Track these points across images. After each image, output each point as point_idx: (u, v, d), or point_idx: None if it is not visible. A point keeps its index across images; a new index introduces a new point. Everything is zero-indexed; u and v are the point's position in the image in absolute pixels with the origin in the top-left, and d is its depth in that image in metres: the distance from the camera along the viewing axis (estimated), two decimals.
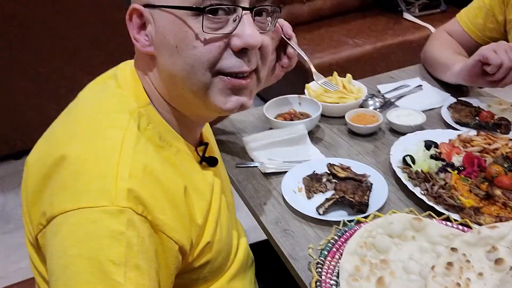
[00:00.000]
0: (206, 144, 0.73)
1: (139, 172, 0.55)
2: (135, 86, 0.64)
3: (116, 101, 0.62)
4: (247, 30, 0.58)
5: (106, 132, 0.58)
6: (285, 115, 1.15)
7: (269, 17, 0.64)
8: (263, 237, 0.91)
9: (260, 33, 0.60)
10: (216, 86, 0.60)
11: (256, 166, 1.02)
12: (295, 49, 0.90)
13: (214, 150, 0.77)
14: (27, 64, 2.20)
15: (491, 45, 1.06)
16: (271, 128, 1.12)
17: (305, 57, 0.93)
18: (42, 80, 2.26)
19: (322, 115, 1.17)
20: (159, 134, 0.62)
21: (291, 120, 1.12)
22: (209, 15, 0.56)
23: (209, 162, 0.72)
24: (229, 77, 0.60)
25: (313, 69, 0.98)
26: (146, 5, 0.58)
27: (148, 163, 0.57)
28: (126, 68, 0.66)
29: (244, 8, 0.58)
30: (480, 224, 0.77)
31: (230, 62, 0.59)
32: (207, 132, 0.79)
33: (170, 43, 0.58)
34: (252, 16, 0.59)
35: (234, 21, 0.58)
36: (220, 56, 0.58)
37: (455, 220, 0.78)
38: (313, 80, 1.23)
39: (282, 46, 0.92)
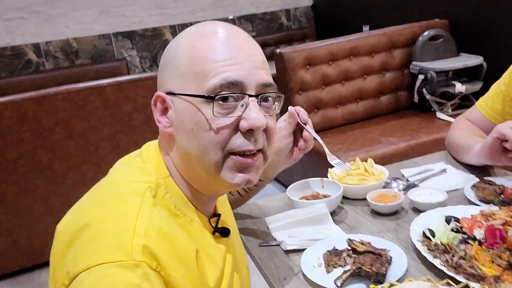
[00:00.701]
0: (219, 216, 0.78)
1: (153, 231, 0.62)
2: (157, 161, 0.72)
3: (139, 172, 0.70)
4: (253, 113, 0.66)
5: (126, 197, 0.65)
6: (308, 197, 1.20)
7: (276, 102, 0.73)
8: None
9: (265, 115, 0.69)
10: (226, 165, 0.67)
11: (278, 245, 1.05)
12: (310, 133, 0.99)
13: (227, 222, 0.81)
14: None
15: (507, 122, 1.10)
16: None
17: (320, 140, 1.02)
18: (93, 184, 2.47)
19: (346, 198, 1.21)
20: (175, 203, 0.68)
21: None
22: (220, 102, 0.65)
23: (221, 232, 0.77)
24: (237, 156, 0.67)
25: (326, 150, 1.06)
26: (168, 93, 0.69)
27: (162, 225, 0.63)
28: (151, 146, 0.75)
29: (250, 95, 0.67)
30: None
31: (238, 141, 0.67)
32: (221, 205, 0.84)
33: (187, 126, 0.67)
34: (258, 102, 0.68)
35: (242, 106, 0.66)
36: (229, 137, 0.66)
37: None
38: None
39: (299, 130, 1.01)
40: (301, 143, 1.00)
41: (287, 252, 1.02)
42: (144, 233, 0.60)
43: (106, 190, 0.69)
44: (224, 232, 0.77)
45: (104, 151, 2.46)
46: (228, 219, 0.84)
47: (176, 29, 4.18)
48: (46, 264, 2.52)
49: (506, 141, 1.09)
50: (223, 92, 0.65)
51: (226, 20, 4.31)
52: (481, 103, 1.38)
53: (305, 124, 1.00)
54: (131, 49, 4.11)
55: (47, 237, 2.49)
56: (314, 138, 1.01)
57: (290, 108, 1.00)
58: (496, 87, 1.35)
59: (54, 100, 2.32)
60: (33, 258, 2.48)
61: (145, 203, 0.64)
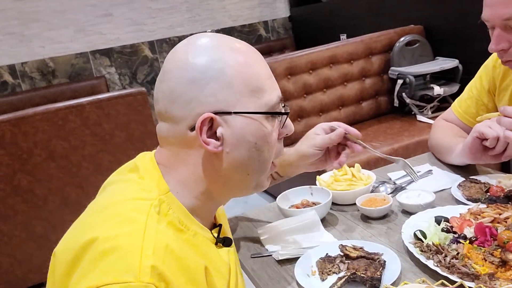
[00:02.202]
0: (220, 226, 0.77)
1: (161, 250, 0.59)
2: (156, 176, 0.69)
3: (139, 189, 0.68)
4: (289, 121, 0.75)
5: (131, 215, 0.63)
6: (298, 205, 1.19)
7: None
8: None
9: None
10: (269, 170, 0.75)
11: (270, 255, 1.04)
12: (364, 147, 1.03)
13: (226, 231, 0.81)
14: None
15: (485, 121, 1.12)
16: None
17: (379, 153, 1.10)
18: (78, 210, 2.41)
19: (335, 204, 1.21)
20: (178, 218, 0.67)
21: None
22: (277, 116, 0.71)
23: (223, 242, 0.76)
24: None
25: (385, 156, 1.10)
26: (218, 113, 0.66)
27: (169, 243, 0.61)
28: (145, 159, 0.73)
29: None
30: None
31: (279, 148, 0.75)
32: (220, 214, 0.83)
33: (249, 141, 0.68)
34: None
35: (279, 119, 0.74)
36: (278, 146, 0.75)
37: (470, 287, 0.75)
38: (325, 171, 1.30)
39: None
40: (342, 158, 1.04)
41: (280, 262, 1.01)
42: (152, 252, 0.58)
43: (107, 209, 0.66)
44: (226, 242, 0.76)
45: (87, 171, 2.41)
46: (226, 227, 0.83)
47: (154, 45, 4.17)
48: None
49: (486, 139, 1.10)
50: (282, 106, 0.72)
51: None
52: (456, 106, 1.41)
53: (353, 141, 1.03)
54: (109, 67, 4.07)
55: (30, 263, 2.42)
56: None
57: (339, 129, 1.02)
58: (469, 90, 1.38)
59: (32, 121, 2.27)
60: (16, 285, 2.39)
61: (150, 220, 0.62)
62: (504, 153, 1.09)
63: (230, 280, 0.72)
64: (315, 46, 2.91)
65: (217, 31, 4.38)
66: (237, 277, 0.75)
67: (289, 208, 1.18)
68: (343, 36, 3.84)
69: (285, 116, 0.73)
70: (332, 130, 1.04)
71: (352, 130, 1.02)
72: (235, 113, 0.66)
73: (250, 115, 0.67)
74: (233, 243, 0.80)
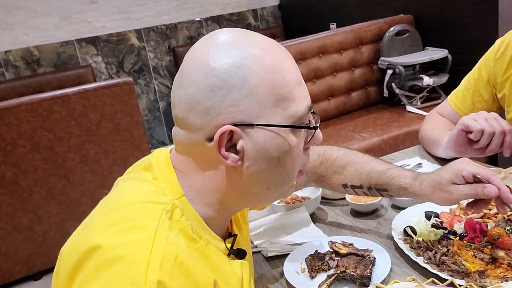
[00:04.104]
0: (235, 236, 0.73)
1: (169, 263, 0.56)
2: (170, 178, 0.65)
3: (152, 191, 0.64)
4: (319, 131, 0.68)
5: (141, 221, 0.59)
6: (287, 200, 1.17)
7: None
8: None
9: None
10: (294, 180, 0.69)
11: (259, 252, 1.03)
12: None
13: (241, 242, 0.76)
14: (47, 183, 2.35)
15: (471, 114, 1.10)
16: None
17: None
18: (64, 201, 2.38)
19: (325, 198, 1.20)
20: (191, 226, 0.63)
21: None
22: (302, 129, 0.65)
23: (237, 254, 0.72)
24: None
25: None
26: (238, 124, 0.60)
27: (179, 255, 0.58)
28: (160, 158, 0.68)
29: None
30: (485, 287, 0.74)
31: (306, 159, 0.69)
32: (241, 220, 0.80)
33: (272, 155, 0.62)
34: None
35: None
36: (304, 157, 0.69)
37: (460, 285, 0.75)
38: None
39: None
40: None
41: (269, 258, 0.99)
42: (159, 265, 0.55)
43: (118, 210, 0.62)
44: (239, 254, 0.72)
45: (73, 163, 2.37)
46: (243, 237, 0.79)
47: (141, 33, 4.09)
48: (15, 282, 2.42)
49: (471, 132, 1.09)
50: (311, 113, 0.65)
51: (193, 22, 4.25)
52: (453, 98, 1.39)
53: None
54: (96, 55, 3.99)
55: (15, 256, 2.39)
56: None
57: (492, 188, 0.80)
58: (466, 81, 1.36)
59: (16, 111, 2.22)
60: (2, 278, 2.36)
61: (161, 227, 0.59)
62: (488, 147, 1.08)
63: None
64: (305, 35, 2.88)
65: (205, 20, 4.32)
66: None
67: (278, 203, 1.16)
68: (332, 25, 3.81)
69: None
70: (476, 178, 0.82)
71: (505, 193, 0.80)
72: (257, 125, 0.60)
73: (274, 128, 0.61)
74: (248, 254, 0.75)
